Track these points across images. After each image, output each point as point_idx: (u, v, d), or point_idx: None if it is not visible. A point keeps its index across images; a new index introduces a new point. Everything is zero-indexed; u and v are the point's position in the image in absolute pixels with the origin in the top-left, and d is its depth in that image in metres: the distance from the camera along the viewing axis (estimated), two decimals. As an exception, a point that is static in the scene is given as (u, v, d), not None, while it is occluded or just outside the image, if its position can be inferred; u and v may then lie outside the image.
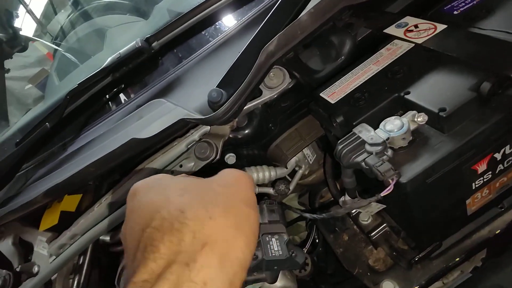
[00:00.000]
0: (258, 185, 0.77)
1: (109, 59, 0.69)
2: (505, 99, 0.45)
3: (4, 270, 0.66)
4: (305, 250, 0.80)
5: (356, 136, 0.48)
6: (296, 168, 0.82)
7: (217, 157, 0.60)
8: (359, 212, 0.72)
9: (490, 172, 0.51)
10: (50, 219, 0.67)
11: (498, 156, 0.49)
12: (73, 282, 0.62)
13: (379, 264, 0.68)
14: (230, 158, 0.75)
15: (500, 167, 0.51)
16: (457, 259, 0.60)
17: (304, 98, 0.75)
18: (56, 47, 1.65)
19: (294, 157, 0.79)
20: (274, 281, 0.49)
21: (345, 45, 0.68)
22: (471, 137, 0.44)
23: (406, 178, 0.43)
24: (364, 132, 0.48)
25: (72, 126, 0.75)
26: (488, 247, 0.64)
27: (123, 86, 0.76)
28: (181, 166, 0.58)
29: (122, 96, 0.76)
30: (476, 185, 0.51)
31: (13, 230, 0.73)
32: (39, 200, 0.61)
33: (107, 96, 0.75)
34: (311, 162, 0.85)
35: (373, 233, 0.69)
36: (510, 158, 0.51)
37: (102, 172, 0.57)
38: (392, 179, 0.41)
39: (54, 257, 0.63)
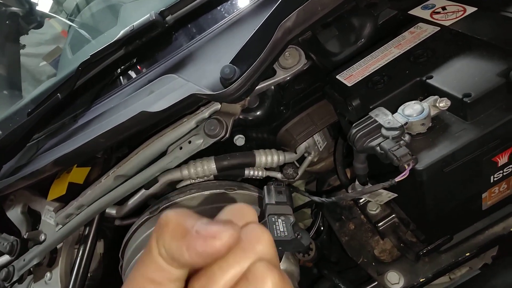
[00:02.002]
0: (266, 169, 0.76)
1: (122, 32, 0.68)
2: (535, 87, 0.42)
3: (12, 237, 0.68)
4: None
5: (372, 119, 0.46)
6: (305, 155, 0.81)
7: (227, 135, 0.59)
8: (367, 202, 0.71)
9: (510, 166, 0.48)
10: (58, 189, 0.67)
11: (521, 149, 0.46)
12: (78, 251, 0.63)
13: (385, 255, 0.67)
14: (239, 139, 0.74)
15: (522, 161, 0.49)
16: (467, 254, 0.58)
17: (319, 81, 0.72)
18: (71, 23, 1.65)
19: (304, 142, 0.77)
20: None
21: (366, 28, 0.65)
22: (495, 126, 0.41)
23: (423, 165, 0.42)
24: (381, 115, 0.46)
25: (83, 98, 0.75)
26: (501, 244, 0.62)
27: (135, 60, 0.75)
28: (190, 142, 0.58)
29: (134, 70, 0.75)
30: (495, 179, 0.49)
31: (22, 199, 0.75)
32: (48, 169, 0.61)
33: (119, 69, 0.74)
34: (321, 149, 0.83)
35: (380, 223, 0.68)
36: (534, 153, 0.48)
37: (111, 143, 0.57)
38: (409, 165, 0.39)
39: (60, 226, 0.63)
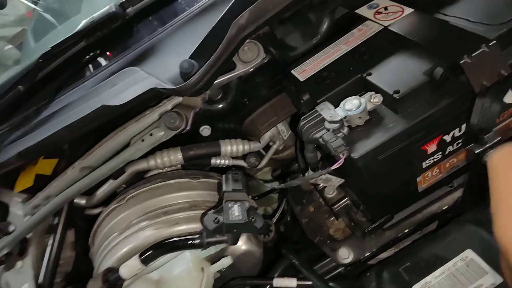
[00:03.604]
0: (232, 158, 0.80)
1: (82, 23, 0.68)
2: (456, 84, 0.47)
3: (-20, 228, 0.69)
4: (274, 219, 0.85)
5: (318, 113, 0.51)
6: (270, 143, 0.85)
7: (187, 127, 0.62)
8: (325, 186, 0.77)
9: (440, 153, 0.55)
10: (25, 180, 0.69)
11: (447, 138, 0.53)
12: (48, 241, 0.65)
13: (338, 234, 0.74)
14: (205, 130, 0.77)
15: (450, 148, 0.55)
16: (407, 230, 0.66)
17: (279, 74, 0.76)
18: (35, 7, 1.57)
19: (268, 132, 0.82)
20: (235, 243, 0.53)
21: (322, 24, 0.69)
22: (420, 118, 0.47)
23: (358, 154, 0.47)
24: (325, 110, 0.50)
25: (46, 90, 0.75)
26: (439, 220, 0.70)
27: (98, 51, 0.75)
28: (151, 134, 0.60)
29: (96, 62, 0.75)
30: (426, 164, 0.55)
31: (-11, 192, 0.75)
32: (12, 162, 0.62)
33: (82, 61, 0.74)
34: (285, 138, 0.88)
35: (335, 206, 0.74)
36: (460, 141, 0.54)
37: (74, 137, 0.59)
38: (343, 154, 0.44)
39: (29, 216, 0.65)
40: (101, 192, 0.71)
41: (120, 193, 0.68)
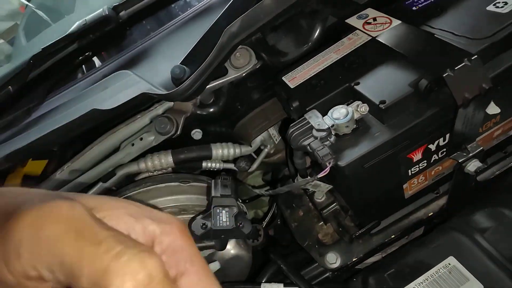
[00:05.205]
0: (223, 161, 0.81)
1: (75, 25, 0.68)
2: (440, 96, 0.49)
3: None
4: (264, 223, 0.86)
5: (306, 121, 0.52)
6: (262, 147, 0.86)
7: (178, 132, 0.62)
8: (314, 191, 0.78)
9: (425, 161, 0.56)
10: (12, 181, 0.68)
11: (432, 147, 0.54)
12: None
13: (327, 238, 0.75)
14: (196, 133, 0.77)
15: (435, 157, 0.56)
16: (393, 236, 0.67)
17: (271, 79, 0.77)
18: (28, 3, 1.55)
19: (259, 136, 0.82)
20: (222, 248, 0.54)
21: (314, 31, 0.70)
22: (406, 128, 0.48)
23: (345, 162, 0.48)
24: (314, 118, 0.51)
25: (36, 91, 0.74)
26: (425, 226, 0.71)
27: (90, 54, 0.75)
28: (141, 139, 0.60)
29: (88, 65, 0.75)
30: (412, 172, 0.57)
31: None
32: (0, 164, 0.62)
33: (73, 63, 0.74)
34: (276, 142, 0.89)
35: (324, 210, 0.75)
36: (444, 150, 0.56)
37: (63, 140, 0.59)
38: (329, 163, 0.45)
39: (16, 219, 0.65)
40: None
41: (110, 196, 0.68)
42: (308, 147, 0.49)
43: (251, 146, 0.82)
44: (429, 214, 0.67)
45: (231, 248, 0.63)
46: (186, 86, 0.54)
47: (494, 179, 0.61)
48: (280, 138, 0.89)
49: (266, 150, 0.86)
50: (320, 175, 0.46)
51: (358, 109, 0.49)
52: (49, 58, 0.70)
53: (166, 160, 0.70)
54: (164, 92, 0.55)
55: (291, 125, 0.53)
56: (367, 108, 0.48)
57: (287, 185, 0.59)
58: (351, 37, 0.62)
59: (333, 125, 0.49)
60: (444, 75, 0.44)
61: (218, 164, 0.78)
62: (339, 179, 0.53)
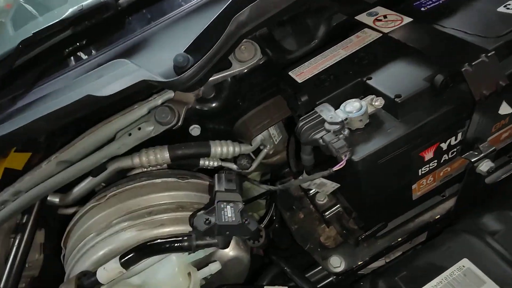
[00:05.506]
0: (222, 160, 0.77)
1: (70, 10, 0.64)
2: (456, 92, 0.48)
3: None
4: (262, 225, 0.82)
5: (317, 114, 0.50)
6: (261, 147, 0.83)
7: (179, 123, 0.58)
8: (316, 193, 0.75)
9: (435, 161, 0.55)
10: (-8, 175, 0.62)
11: (444, 146, 0.53)
12: (14, 241, 0.59)
13: (329, 241, 0.72)
14: (195, 129, 0.74)
15: (445, 157, 0.55)
16: (399, 239, 0.65)
17: (275, 76, 0.75)
18: (15, -3, 1.49)
19: (260, 135, 0.80)
20: (225, 246, 0.50)
21: (319, 29, 0.69)
22: (420, 124, 0.47)
23: (358, 156, 0.46)
24: (325, 111, 0.49)
25: (24, 78, 0.69)
26: (429, 231, 0.69)
27: (85, 41, 0.71)
28: (139, 129, 0.56)
29: (83, 53, 0.71)
30: (422, 172, 0.55)
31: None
32: (-20, 153, 0.56)
33: (66, 50, 0.70)
34: (276, 142, 0.86)
35: (327, 213, 0.73)
36: (455, 150, 0.55)
37: (53, 128, 0.54)
38: (345, 156, 0.43)
39: (-6, 214, 0.59)
40: (78, 190, 0.65)
41: (100, 191, 0.63)
42: (321, 140, 0.46)
43: (251, 145, 0.79)
44: (436, 217, 0.66)
45: (231, 249, 0.59)
46: (189, 75, 0.51)
47: (501, 182, 0.60)
48: (280, 139, 0.86)
49: (265, 150, 0.83)
50: (335, 168, 0.44)
51: (373, 103, 0.47)
52: (40, 44, 0.66)
53: (162, 155, 0.66)
54: (165, 79, 0.51)
55: (301, 118, 0.51)
56: (383, 102, 0.47)
57: (296, 180, 0.56)
58: (359, 35, 0.61)
59: (346, 119, 0.47)
60: (462, 70, 0.43)
61: (216, 163, 0.75)
62: (349, 176, 0.51)
